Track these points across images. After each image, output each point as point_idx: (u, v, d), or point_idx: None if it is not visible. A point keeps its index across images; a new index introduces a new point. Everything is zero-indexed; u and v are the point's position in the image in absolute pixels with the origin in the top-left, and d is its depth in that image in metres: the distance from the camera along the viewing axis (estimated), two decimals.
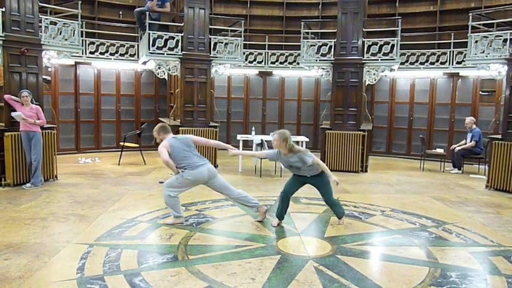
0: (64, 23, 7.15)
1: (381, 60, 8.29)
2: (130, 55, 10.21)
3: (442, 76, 10.11)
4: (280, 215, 4.71)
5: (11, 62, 6.35)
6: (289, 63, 10.96)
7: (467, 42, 7.68)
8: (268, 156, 4.82)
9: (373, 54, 8.31)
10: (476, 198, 6.36)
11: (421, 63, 9.99)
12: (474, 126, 8.56)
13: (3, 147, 6.27)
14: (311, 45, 8.66)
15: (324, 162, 8.22)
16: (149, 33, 8.02)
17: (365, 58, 8.30)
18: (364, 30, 8.41)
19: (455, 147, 8.73)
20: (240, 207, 5.39)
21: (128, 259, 3.64)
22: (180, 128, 8.10)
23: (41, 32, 6.76)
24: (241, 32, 8.76)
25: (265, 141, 7.81)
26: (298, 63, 10.26)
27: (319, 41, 8.71)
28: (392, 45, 8.21)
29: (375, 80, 8.68)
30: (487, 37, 7.30)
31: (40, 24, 6.75)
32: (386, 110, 10.81)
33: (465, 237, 4.46)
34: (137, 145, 9.44)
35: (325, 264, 3.61)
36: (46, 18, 6.95)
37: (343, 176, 7.87)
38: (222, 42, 8.49)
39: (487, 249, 4.13)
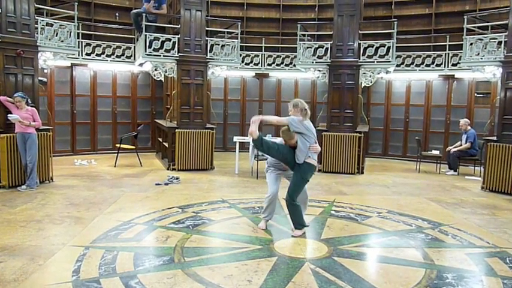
0: (60, 25, 7.14)
1: (377, 62, 8.32)
2: (127, 57, 10.19)
3: (438, 78, 10.15)
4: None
5: (7, 64, 6.32)
6: (286, 65, 10.98)
7: (462, 44, 7.74)
8: (291, 122, 4.20)
9: (369, 57, 8.34)
10: (472, 200, 6.38)
11: (416, 66, 10.03)
12: (469, 127, 8.61)
13: None
14: (307, 47, 8.69)
15: (320, 164, 8.38)
16: (146, 35, 8.01)
17: (361, 60, 8.34)
18: (360, 32, 8.45)
19: (450, 149, 8.77)
20: (236, 210, 5.39)
21: (124, 261, 3.62)
22: (176, 130, 8.10)
23: (37, 33, 6.75)
24: (237, 34, 8.77)
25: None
26: (294, 65, 10.29)
27: (315, 43, 8.72)
28: (388, 48, 8.25)
29: (371, 82, 8.71)
30: (482, 39, 7.35)
31: (36, 25, 6.73)
32: (382, 112, 10.84)
33: (461, 239, 4.48)
34: (133, 147, 9.41)
35: (321, 266, 3.62)
36: (42, 20, 6.94)
37: (339, 178, 7.90)
38: (218, 44, 8.50)
39: (482, 250, 4.15)
